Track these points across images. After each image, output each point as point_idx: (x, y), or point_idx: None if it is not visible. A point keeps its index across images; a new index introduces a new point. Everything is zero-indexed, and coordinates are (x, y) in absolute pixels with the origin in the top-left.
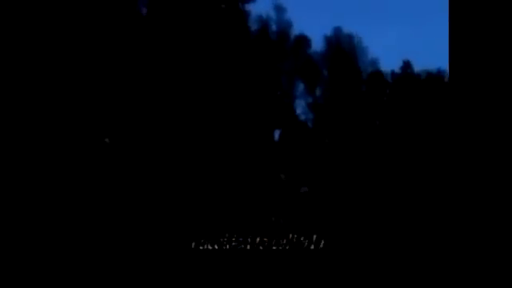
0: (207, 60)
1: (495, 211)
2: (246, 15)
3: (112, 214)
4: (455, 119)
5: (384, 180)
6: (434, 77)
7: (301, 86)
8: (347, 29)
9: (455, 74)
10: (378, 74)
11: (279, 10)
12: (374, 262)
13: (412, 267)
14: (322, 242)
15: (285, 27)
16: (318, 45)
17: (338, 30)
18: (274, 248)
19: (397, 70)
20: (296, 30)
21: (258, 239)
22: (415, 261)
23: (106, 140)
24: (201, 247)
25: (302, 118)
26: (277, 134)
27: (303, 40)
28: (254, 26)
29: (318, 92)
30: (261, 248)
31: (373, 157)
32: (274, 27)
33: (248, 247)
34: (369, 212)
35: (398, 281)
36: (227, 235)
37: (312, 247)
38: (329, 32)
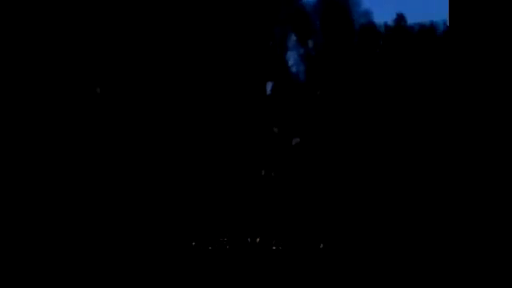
0: (198, 10)
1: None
2: None
3: (112, 214)
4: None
5: (377, 132)
6: (426, 30)
7: (293, 38)
8: None
9: (455, 27)
10: (370, 25)
11: None
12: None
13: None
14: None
15: None
16: None
17: None
18: (274, 248)
19: (390, 22)
20: None
21: (257, 239)
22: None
23: (98, 90)
24: (201, 247)
25: (294, 69)
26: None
27: None
28: None
29: (310, 43)
30: (260, 248)
31: (365, 108)
32: None
33: (247, 247)
34: (362, 168)
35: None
36: (227, 235)
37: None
38: None
